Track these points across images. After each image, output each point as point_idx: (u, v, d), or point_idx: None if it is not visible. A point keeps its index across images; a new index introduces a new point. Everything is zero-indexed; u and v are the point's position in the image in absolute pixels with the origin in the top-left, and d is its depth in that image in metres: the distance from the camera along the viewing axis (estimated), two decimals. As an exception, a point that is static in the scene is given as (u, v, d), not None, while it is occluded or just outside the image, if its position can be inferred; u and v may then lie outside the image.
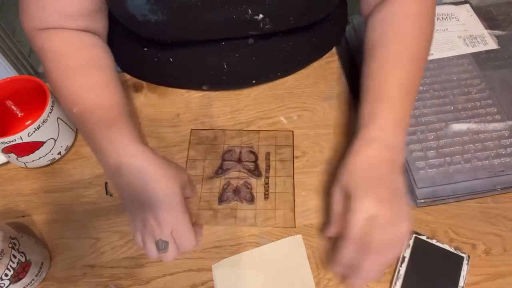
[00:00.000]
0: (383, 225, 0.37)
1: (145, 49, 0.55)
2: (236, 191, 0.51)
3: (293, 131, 0.56)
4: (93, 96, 0.45)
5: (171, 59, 0.56)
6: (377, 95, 0.44)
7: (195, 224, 0.42)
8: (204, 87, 0.59)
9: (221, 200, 0.50)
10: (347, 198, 0.40)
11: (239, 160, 0.53)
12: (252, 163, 0.53)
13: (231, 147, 0.54)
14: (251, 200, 0.50)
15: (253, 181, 0.52)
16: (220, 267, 0.45)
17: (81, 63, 0.46)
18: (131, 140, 0.42)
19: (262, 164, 0.53)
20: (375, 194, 0.38)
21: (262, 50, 0.55)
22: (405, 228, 0.38)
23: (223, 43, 0.53)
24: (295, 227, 0.48)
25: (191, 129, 0.56)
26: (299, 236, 0.47)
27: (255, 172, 0.52)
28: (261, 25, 0.49)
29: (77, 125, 0.47)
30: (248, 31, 0.50)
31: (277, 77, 0.61)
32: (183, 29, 0.49)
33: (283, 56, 0.57)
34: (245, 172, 0.52)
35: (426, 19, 0.48)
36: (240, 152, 0.54)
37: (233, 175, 0.52)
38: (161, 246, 0.39)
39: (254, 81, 0.59)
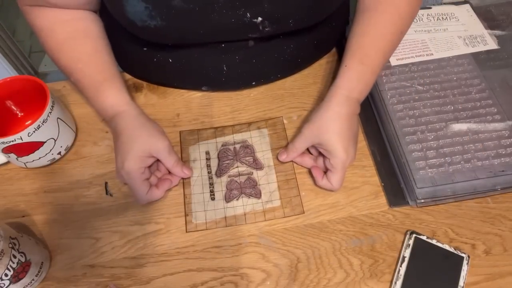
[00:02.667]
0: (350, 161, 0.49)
1: (145, 49, 0.56)
2: (242, 187, 0.51)
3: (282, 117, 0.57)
4: (81, 66, 0.51)
5: (170, 60, 0.56)
6: (360, 59, 0.51)
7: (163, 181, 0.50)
8: (203, 88, 0.59)
9: (228, 199, 0.50)
10: (318, 144, 0.49)
11: (236, 157, 0.53)
12: (250, 157, 0.53)
13: (225, 146, 0.54)
14: (259, 194, 0.50)
15: (255, 174, 0.52)
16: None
17: (67, 36, 0.51)
18: (115, 102, 0.50)
19: (260, 156, 0.53)
20: (345, 144, 0.48)
21: (263, 53, 0.55)
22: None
23: (223, 45, 0.53)
24: (304, 213, 0.49)
25: (180, 131, 0.56)
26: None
27: (255, 164, 0.52)
28: (261, 28, 0.49)
29: (77, 89, 0.54)
30: (247, 34, 0.50)
31: (277, 79, 0.61)
32: (182, 34, 0.49)
33: (284, 59, 0.57)
34: (246, 165, 0.52)
35: None
36: (235, 149, 0.54)
37: (234, 173, 0.52)
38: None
39: (253, 83, 0.59)
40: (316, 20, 0.52)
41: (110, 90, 0.51)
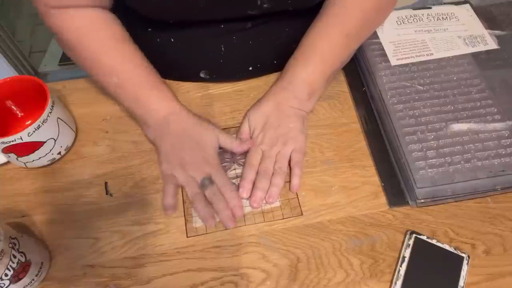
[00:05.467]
0: (275, 157, 0.51)
1: (149, 29, 0.57)
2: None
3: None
4: (131, 66, 0.51)
5: (172, 40, 0.57)
6: (301, 55, 0.54)
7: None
8: (202, 74, 0.60)
9: None
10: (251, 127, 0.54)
11: (233, 158, 0.53)
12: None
13: (221, 148, 0.54)
14: None
15: None
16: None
17: (109, 38, 0.51)
18: (174, 98, 0.53)
19: None
20: (271, 134, 0.52)
21: (259, 35, 0.57)
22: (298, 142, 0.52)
23: (222, 25, 0.55)
24: (302, 214, 0.49)
25: None
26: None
27: None
28: (259, 3, 0.50)
29: (116, 92, 0.52)
30: (246, 10, 0.51)
31: (274, 67, 0.61)
32: (182, 6, 0.49)
33: (279, 43, 0.59)
34: (243, 167, 0.52)
35: (375, 4, 0.53)
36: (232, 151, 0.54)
37: (232, 175, 0.52)
38: (206, 181, 0.48)
39: (251, 68, 0.60)
40: (313, 1, 0.53)
41: (166, 89, 0.53)
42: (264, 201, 0.49)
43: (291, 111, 0.53)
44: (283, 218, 0.49)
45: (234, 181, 0.51)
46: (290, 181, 0.51)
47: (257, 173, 0.50)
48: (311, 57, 0.53)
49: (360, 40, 0.57)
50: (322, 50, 0.53)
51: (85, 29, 0.50)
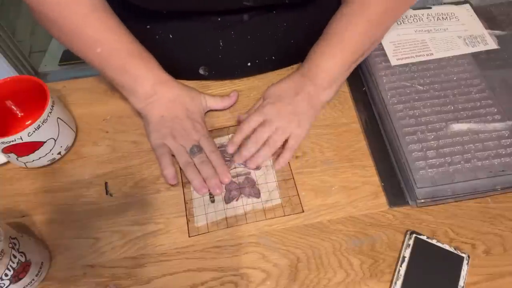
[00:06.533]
0: (275, 129, 0.51)
1: (148, 26, 0.57)
2: (241, 188, 0.51)
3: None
4: (116, 37, 0.51)
5: (170, 35, 0.57)
6: (323, 43, 0.54)
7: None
8: (201, 70, 0.60)
9: (228, 200, 0.50)
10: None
11: (233, 157, 0.53)
12: None
13: (221, 147, 0.54)
14: (258, 194, 0.50)
15: (253, 174, 0.52)
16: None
17: (91, 9, 0.50)
18: (160, 67, 0.54)
19: None
20: (280, 107, 0.52)
21: (257, 29, 0.57)
22: (296, 133, 0.52)
23: (219, 19, 0.55)
24: (303, 211, 0.49)
25: None
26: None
27: None
28: None
29: (101, 64, 0.52)
30: (242, 1, 0.51)
31: (272, 63, 0.61)
32: None
33: (277, 37, 0.59)
34: (243, 166, 0.52)
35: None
36: None
37: (232, 173, 0.52)
38: (195, 149, 0.50)
39: (249, 64, 0.60)
40: None
41: (151, 59, 0.53)
42: (243, 166, 0.52)
43: (306, 97, 0.53)
44: (284, 215, 0.49)
45: (234, 179, 0.51)
46: (276, 159, 0.52)
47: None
48: (332, 45, 0.53)
49: (383, 28, 0.56)
50: (343, 37, 0.53)
51: (65, 1, 0.48)
